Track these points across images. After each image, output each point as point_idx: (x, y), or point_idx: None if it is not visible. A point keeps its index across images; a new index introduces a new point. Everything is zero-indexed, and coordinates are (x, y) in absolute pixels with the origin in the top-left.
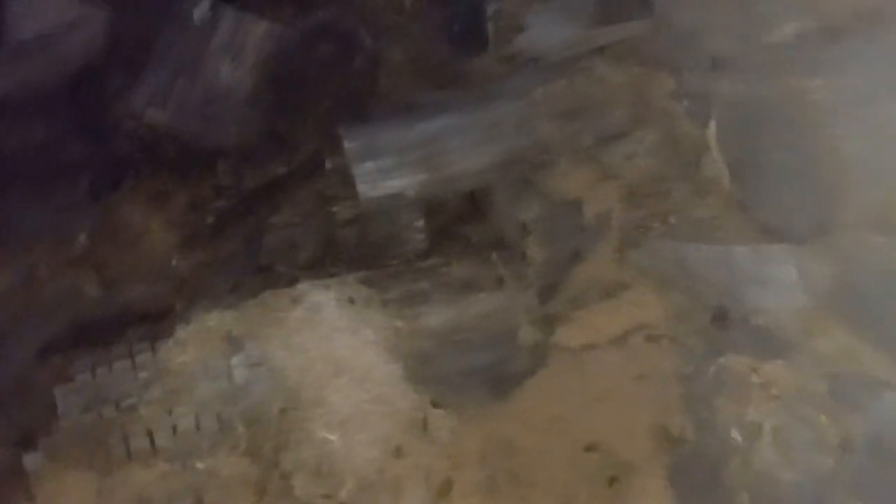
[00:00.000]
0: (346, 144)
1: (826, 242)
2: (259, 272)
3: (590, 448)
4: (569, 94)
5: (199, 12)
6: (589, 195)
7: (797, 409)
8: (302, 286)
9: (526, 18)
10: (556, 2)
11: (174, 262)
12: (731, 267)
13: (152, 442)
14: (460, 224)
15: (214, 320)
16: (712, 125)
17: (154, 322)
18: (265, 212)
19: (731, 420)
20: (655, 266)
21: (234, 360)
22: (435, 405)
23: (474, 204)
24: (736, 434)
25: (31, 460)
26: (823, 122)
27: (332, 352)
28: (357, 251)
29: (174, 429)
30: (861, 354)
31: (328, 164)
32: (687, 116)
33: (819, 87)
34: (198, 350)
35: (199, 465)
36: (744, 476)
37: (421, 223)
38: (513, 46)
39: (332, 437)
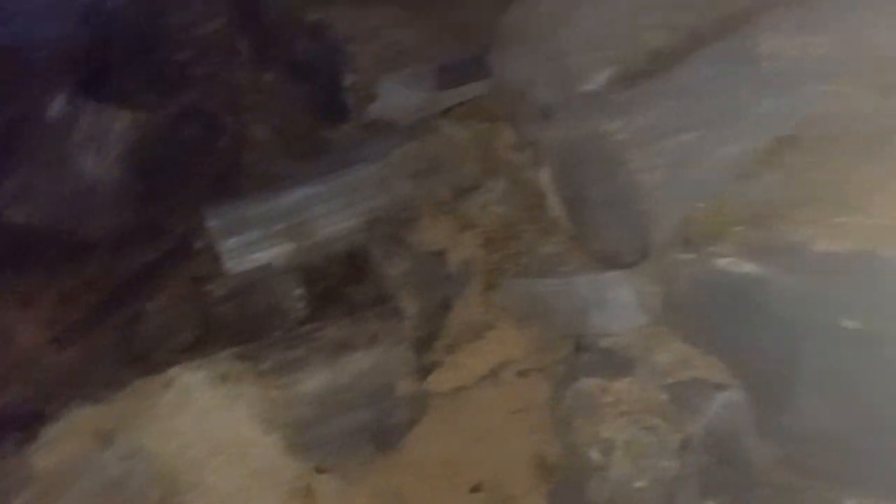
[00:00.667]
0: (209, 222)
1: (650, 264)
2: (135, 362)
3: (475, 489)
4: (422, 153)
5: (58, 107)
6: (451, 245)
7: (643, 420)
8: (172, 370)
9: (378, 88)
10: (403, 71)
11: (46, 361)
12: (577, 297)
13: None
14: (343, 287)
15: (84, 416)
16: (545, 170)
17: (25, 425)
18: (139, 300)
19: (589, 440)
20: (514, 304)
21: (107, 455)
22: (319, 470)
23: (354, 266)
24: (594, 453)
25: None
26: (625, 158)
27: (208, 432)
28: (237, 327)
29: None
30: (694, 361)
31: (198, 245)
32: (529, 164)
33: (619, 127)
34: (68, 449)
35: None
36: (603, 492)
37: (300, 291)
38: (369, 114)
39: None
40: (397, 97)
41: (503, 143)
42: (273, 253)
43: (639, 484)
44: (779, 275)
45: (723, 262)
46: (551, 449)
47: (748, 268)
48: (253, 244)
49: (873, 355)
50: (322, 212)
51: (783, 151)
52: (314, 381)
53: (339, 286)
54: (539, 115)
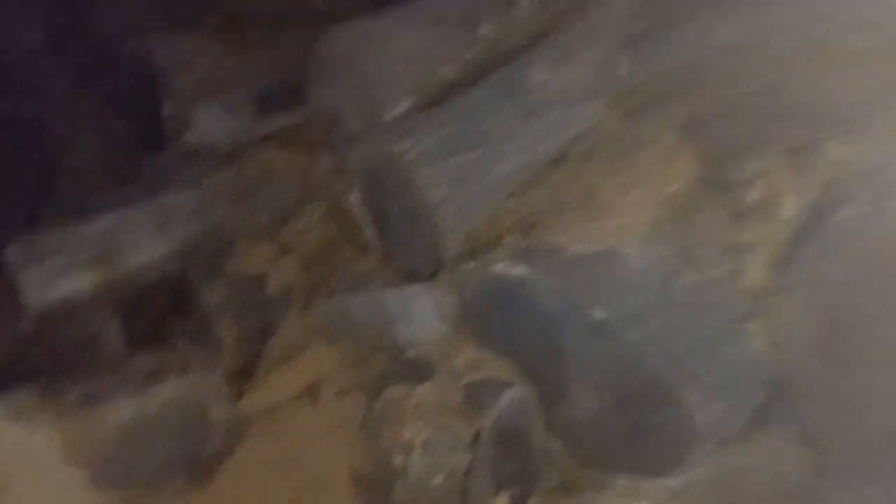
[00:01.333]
0: (8, 253)
1: (445, 275)
2: None
3: None
4: (239, 179)
5: None
6: (271, 270)
7: (439, 420)
8: None
9: (196, 115)
10: (221, 98)
11: None
12: (384, 311)
13: None
14: (160, 316)
15: None
16: (354, 193)
17: None
18: None
19: (393, 445)
20: (327, 323)
21: None
22: None
23: (172, 294)
24: (397, 456)
25: None
26: (413, 176)
27: (3, 469)
28: (46, 362)
29: None
30: (486, 363)
31: (2, 279)
32: (347, 188)
33: (408, 148)
34: None
35: None
36: (406, 492)
37: (115, 323)
38: (186, 141)
39: None
40: (215, 124)
41: (321, 169)
42: (79, 282)
43: (436, 480)
44: (542, 275)
45: (498, 268)
46: (366, 465)
47: (518, 271)
48: (57, 273)
49: (618, 342)
50: (132, 239)
51: (549, 169)
52: (120, 412)
53: (157, 315)
54: (348, 142)
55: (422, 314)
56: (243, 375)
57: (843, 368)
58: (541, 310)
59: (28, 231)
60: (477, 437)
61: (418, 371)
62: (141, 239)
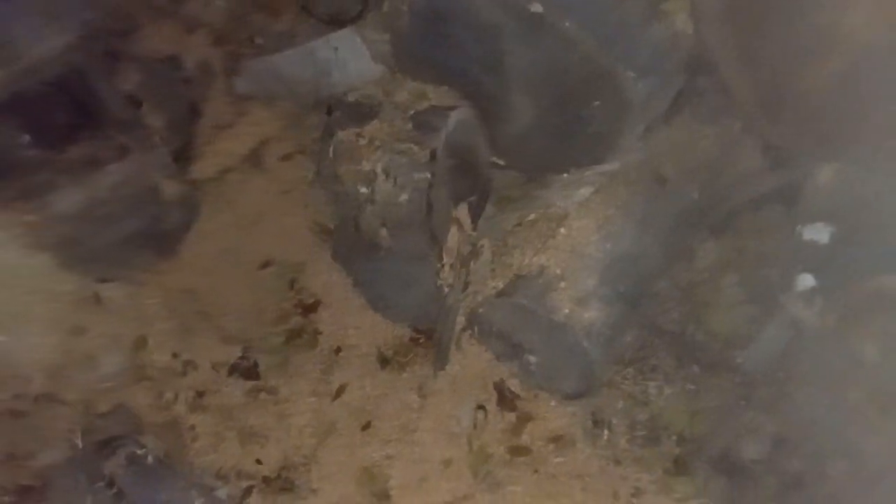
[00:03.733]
0: None
1: (374, 13)
2: None
3: (265, 265)
4: None
5: None
6: (183, 49)
7: (395, 148)
8: None
9: None
10: None
11: None
12: (316, 61)
13: None
14: (71, 110)
15: None
16: None
17: None
18: None
19: (355, 179)
20: (257, 85)
21: None
22: (103, 280)
23: (80, 86)
24: (361, 187)
25: None
26: None
27: None
28: None
29: None
30: (428, 93)
31: None
32: None
33: None
34: None
35: None
36: (377, 213)
37: (19, 120)
38: None
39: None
40: None
41: None
42: None
43: (402, 197)
44: None
45: None
46: (325, 215)
47: None
48: None
49: (555, 32)
50: (23, 33)
51: None
52: (69, 199)
53: (68, 110)
54: None
55: (355, 57)
56: (182, 155)
57: (750, 30)
58: (480, 20)
59: None
60: (433, 156)
61: (363, 112)
62: (33, 32)
